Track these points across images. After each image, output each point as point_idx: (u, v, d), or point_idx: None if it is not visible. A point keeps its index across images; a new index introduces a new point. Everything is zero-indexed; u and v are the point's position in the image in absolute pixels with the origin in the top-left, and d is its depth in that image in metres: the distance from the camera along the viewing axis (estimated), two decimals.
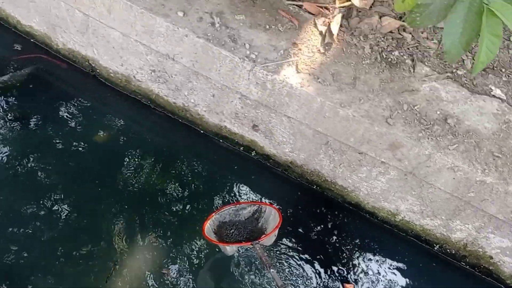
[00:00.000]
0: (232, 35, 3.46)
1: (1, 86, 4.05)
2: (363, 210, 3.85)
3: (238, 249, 3.35)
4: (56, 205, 3.51)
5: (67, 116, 4.03)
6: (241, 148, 3.97)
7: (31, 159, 3.70)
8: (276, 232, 3.07)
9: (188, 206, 3.65)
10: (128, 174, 3.78)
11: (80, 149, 3.81)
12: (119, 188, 3.66)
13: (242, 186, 3.84)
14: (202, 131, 4.06)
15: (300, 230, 3.71)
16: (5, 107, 3.98)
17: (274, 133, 3.67)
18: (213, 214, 3.23)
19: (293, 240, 3.64)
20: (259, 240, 2.97)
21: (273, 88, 3.35)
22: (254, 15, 3.58)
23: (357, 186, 3.69)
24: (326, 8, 3.64)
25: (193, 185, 3.77)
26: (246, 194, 3.84)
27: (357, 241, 3.77)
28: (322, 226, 3.81)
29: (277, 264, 3.50)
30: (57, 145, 3.81)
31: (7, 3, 4.26)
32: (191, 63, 3.55)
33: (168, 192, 3.70)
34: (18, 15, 4.29)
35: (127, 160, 3.83)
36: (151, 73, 3.84)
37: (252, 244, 2.95)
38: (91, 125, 3.96)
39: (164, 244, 3.45)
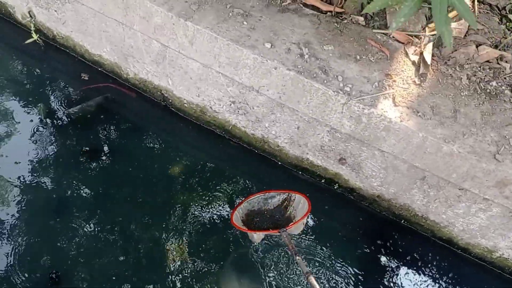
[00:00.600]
0: (323, 67, 3.32)
1: (72, 118, 3.94)
2: (455, 245, 3.67)
3: (266, 237, 3.28)
4: (131, 239, 3.38)
5: (139, 147, 3.92)
6: (323, 181, 3.81)
7: (104, 191, 3.59)
8: (305, 220, 3.04)
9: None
10: (202, 205, 3.65)
11: (154, 181, 3.69)
12: (191, 220, 3.54)
13: (323, 218, 3.68)
14: (279, 163, 3.91)
15: (385, 261, 3.55)
16: (76, 139, 3.88)
17: (362, 167, 3.51)
18: (243, 202, 3.22)
19: (379, 269, 3.48)
20: (287, 228, 2.93)
21: (369, 122, 3.20)
22: (342, 45, 3.43)
23: (452, 222, 3.51)
24: (416, 36, 3.48)
25: None
26: (326, 226, 3.68)
27: (448, 275, 3.59)
28: (408, 258, 3.64)
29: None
30: (130, 177, 3.70)
31: (77, 32, 4.17)
32: (278, 95, 3.41)
33: None
34: (87, 44, 4.20)
35: (201, 191, 3.70)
36: (230, 104, 3.71)
37: (279, 232, 2.92)
38: (164, 156, 3.86)
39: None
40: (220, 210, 3.62)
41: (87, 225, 3.39)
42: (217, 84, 3.64)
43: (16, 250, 3.23)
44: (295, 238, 3.55)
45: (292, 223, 3.05)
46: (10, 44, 4.49)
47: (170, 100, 4.05)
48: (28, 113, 3.96)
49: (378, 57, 3.39)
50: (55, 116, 3.95)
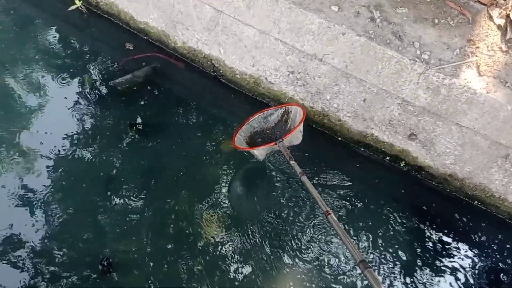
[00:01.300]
0: (396, 32, 2.98)
1: (119, 89, 3.73)
2: None
3: (272, 153, 3.35)
4: (179, 217, 3.19)
5: (188, 121, 3.68)
6: (387, 158, 3.52)
7: (152, 167, 3.39)
8: (300, 128, 3.09)
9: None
10: (259, 183, 3.41)
11: (205, 157, 3.46)
12: (246, 198, 3.32)
13: (387, 198, 3.40)
14: (339, 138, 3.62)
15: (455, 243, 3.27)
16: (124, 111, 3.67)
17: (435, 143, 3.19)
18: (243, 124, 3.32)
19: (450, 252, 3.21)
20: (283, 138, 3.04)
21: (449, 94, 2.86)
22: (417, 7, 3.07)
23: None
24: None
25: (329, 192, 3.37)
26: (392, 207, 3.40)
27: None
28: (481, 240, 3.35)
29: None
30: (179, 153, 3.49)
31: None
32: (344, 64, 3.10)
33: (298, 201, 3.31)
34: (132, 10, 3.94)
35: (250, 165, 3.45)
36: (288, 74, 3.42)
37: (276, 143, 3.03)
38: (214, 131, 3.62)
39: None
40: (282, 186, 3.38)
41: (136, 202, 3.20)
42: (275, 53, 3.34)
43: (64, 227, 3.07)
44: (344, 220, 3.28)
45: (287, 133, 3.13)
46: (51, 11, 4.28)
47: (221, 71, 3.78)
48: (73, 84, 3.77)
49: (458, 21, 3.02)
50: (101, 88, 3.74)
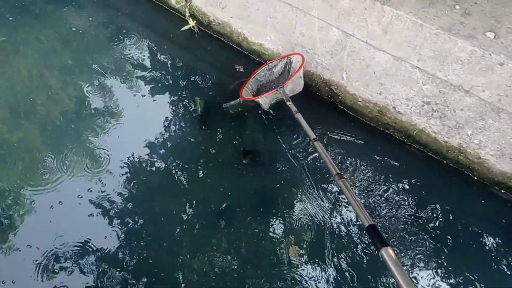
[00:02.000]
0: None
1: (231, 112, 3.56)
2: None
3: (275, 101, 3.39)
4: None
5: (302, 149, 3.43)
6: None
7: (265, 197, 3.18)
8: (301, 73, 3.29)
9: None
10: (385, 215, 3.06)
11: (316, 191, 3.18)
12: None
13: None
14: (475, 177, 3.21)
15: None
16: (236, 136, 3.49)
17: None
18: (250, 78, 3.58)
19: None
20: (284, 84, 3.25)
21: None
22: None
23: None
24: None
25: (462, 239, 2.97)
26: None
27: None
28: None
29: None
30: (292, 184, 3.24)
31: (237, 18, 3.76)
32: (497, 98, 2.71)
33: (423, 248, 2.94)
34: (247, 31, 3.78)
35: (372, 199, 3.12)
36: (422, 105, 3.07)
37: (277, 90, 3.25)
38: (337, 156, 3.32)
39: None
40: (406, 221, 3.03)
41: (247, 235, 2.99)
42: (409, 81, 3.01)
43: (173, 256, 2.91)
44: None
45: (287, 80, 3.32)
46: (161, 32, 4.23)
47: (340, 97, 3.51)
48: (184, 106, 3.64)
49: None
50: (213, 110, 3.58)
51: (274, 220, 3.06)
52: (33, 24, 4.37)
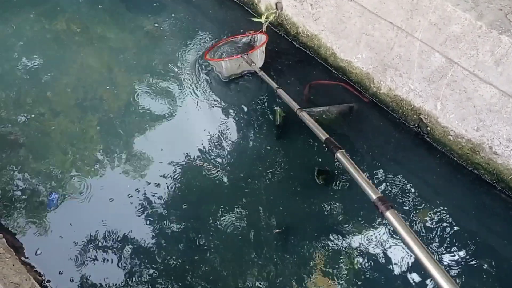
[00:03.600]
0: None
1: (317, 119, 3.37)
2: None
3: (240, 73, 3.66)
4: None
5: (377, 176, 3.19)
6: None
7: (332, 221, 2.95)
8: (263, 49, 3.64)
9: None
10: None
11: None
12: None
13: None
14: None
15: None
16: (311, 151, 3.30)
17: None
18: (213, 46, 3.81)
19: None
20: (248, 53, 3.57)
21: None
22: None
23: None
24: None
25: None
26: None
27: None
28: None
29: None
30: (361, 212, 2.99)
31: (328, 32, 3.63)
32: None
33: None
34: (337, 47, 3.63)
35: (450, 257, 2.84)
36: None
37: (241, 56, 3.55)
38: (411, 196, 3.08)
39: None
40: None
41: (297, 264, 2.78)
42: None
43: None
44: None
45: (251, 49, 3.67)
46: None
47: (428, 128, 3.27)
48: (261, 115, 3.51)
49: None
50: (291, 123, 3.43)
51: (330, 251, 2.84)
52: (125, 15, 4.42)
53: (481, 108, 2.91)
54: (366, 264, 2.80)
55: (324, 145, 2.37)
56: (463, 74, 2.88)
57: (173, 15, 4.39)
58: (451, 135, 3.18)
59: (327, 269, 2.77)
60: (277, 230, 2.90)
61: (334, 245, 2.88)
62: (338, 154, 2.13)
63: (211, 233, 2.89)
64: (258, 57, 3.68)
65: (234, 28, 4.19)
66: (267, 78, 3.39)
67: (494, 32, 2.62)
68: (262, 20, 3.83)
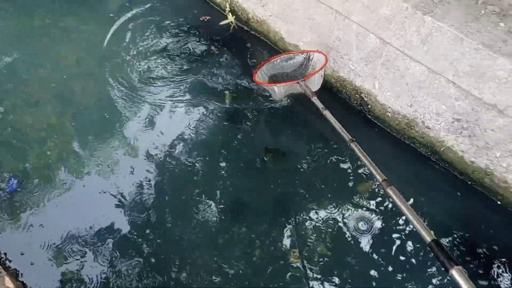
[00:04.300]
0: None
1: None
2: None
3: (289, 93, 3.38)
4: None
5: (324, 155, 3.39)
6: None
7: (283, 196, 3.16)
8: (322, 73, 3.27)
9: None
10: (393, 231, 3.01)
11: (338, 198, 3.14)
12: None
13: None
14: (499, 202, 3.12)
15: None
16: (260, 133, 3.48)
17: None
18: (264, 63, 3.44)
19: None
20: (305, 78, 3.18)
21: None
22: None
23: None
24: None
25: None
26: None
27: None
28: None
29: None
30: (308, 188, 3.21)
31: (276, 17, 3.79)
32: None
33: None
34: (284, 31, 3.80)
35: (389, 215, 3.05)
36: (452, 122, 3.02)
37: (297, 82, 3.18)
38: (354, 171, 3.27)
39: None
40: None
41: (254, 234, 2.97)
42: (442, 96, 2.98)
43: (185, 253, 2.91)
44: None
45: (307, 75, 3.27)
46: (198, 24, 4.27)
47: (369, 106, 3.48)
48: (213, 98, 3.67)
49: None
50: (241, 105, 3.59)
51: (282, 223, 3.03)
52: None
53: (412, 85, 3.12)
54: (307, 234, 3.00)
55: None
56: (395, 53, 3.08)
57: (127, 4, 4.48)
58: (389, 112, 3.39)
59: (271, 240, 2.96)
60: (222, 206, 3.07)
61: (279, 218, 3.07)
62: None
63: (165, 209, 3.05)
64: (316, 81, 3.32)
65: (193, 13, 4.31)
66: (316, 100, 3.10)
67: (419, 13, 2.83)
68: (230, 19, 3.96)
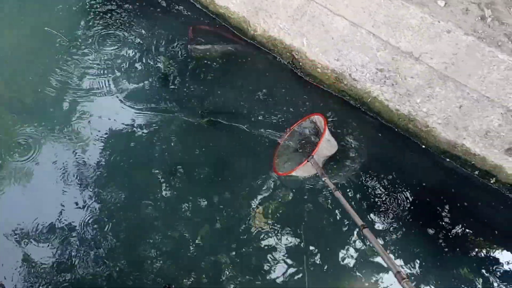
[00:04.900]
0: (510, 34, 2.67)
1: (193, 55, 3.71)
2: None
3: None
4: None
5: (258, 113, 3.49)
6: (476, 173, 3.21)
7: (220, 156, 3.25)
8: (327, 136, 2.97)
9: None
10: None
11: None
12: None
13: (475, 216, 3.09)
14: (423, 146, 3.34)
15: None
16: (197, 92, 3.54)
17: None
18: (277, 149, 3.25)
19: None
20: (312, 154, 2.92)
21: None
22: None
23: None
24: None
25: (402, 201, 3.10)
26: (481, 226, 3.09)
27: None
28: None
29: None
30: (245, 145, 3.33)
31: None
32: (443, 66, 2.83)
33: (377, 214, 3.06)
34: None
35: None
36: (376, 72, 3.17)
37: (307, 161, 2.92)
38: (288, 126, 3.39)
39: None
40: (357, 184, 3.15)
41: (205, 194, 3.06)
42: (364, 48, 3.11)
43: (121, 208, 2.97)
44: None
45: (314, 150, 2.98)
46: None
47: (300, 63, 3.58)
48: (149, 65, 3.66)
49: None
50: (177, 69, 3.61)
51: (219, 182, 3.13)
52: None
53: (337, 40, 3.23)
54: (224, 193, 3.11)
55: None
56: (318, 9, 3.17)
57: None
58: (319, 68, 3.50)
59: (204, 195, 3.06)
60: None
61: (212, 173, 3.16)
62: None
63: (112, 175, 3.09)
64: (327, 146, 3.06)
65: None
66: (328, 180, 2.79)
67: None
68: None
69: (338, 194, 2.61)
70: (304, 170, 3.01)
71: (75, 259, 2.84)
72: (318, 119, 3.17)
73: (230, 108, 3.51)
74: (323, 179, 2.82)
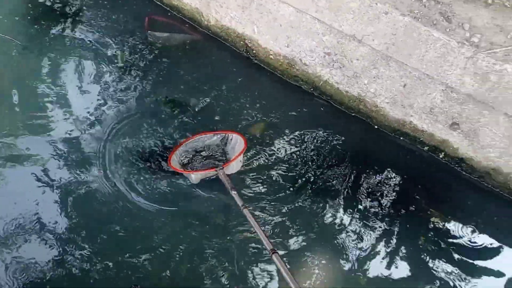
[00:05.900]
0: (445, 12, 2.77)
1: (151, 40, 3.79)
2: None
3: (204, 178, 3.08)
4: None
5: (216, 102, 3.55)
6: (426, 148, 3.32)
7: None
8: (241, 158, 3.01)
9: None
10: (286, 168, 3.26)
11: None
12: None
13: (426, 190, 3.20)
14: (375, 126, 3.44)
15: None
16: (156, 83, 3.59)
17: (479, 134, 2.99)
18: (179, 145, 3.14)
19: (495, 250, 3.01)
20: (224, 166, 2.92)
21: (499, 81, 2.66)
22: None
23: None
24: None
25: (361, 181, 3.21)
26: (427, 201, 3.20)
27: None
28: None
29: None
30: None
31: None
32: (385, 46, 2.92)
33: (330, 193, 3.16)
34: None
35: (283, 154, 3.29)
36: (324, 56, 3.26)
37: (216, 171, 2.90)
38: (244, 114, 3.47)
39: None
40: (308, 173, 3.24)
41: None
42: (311, 33, 3.19)
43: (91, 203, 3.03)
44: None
45: (228, 161, 3.04)
46: None
47: (254, 51, 3.66)
48: (107, 59, 3.70)
49: None
50: (135, 62, 3.66)
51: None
52: None
53: (285, 26, 3.30)
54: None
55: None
56: None
57: None
58: (271, 55, 3.57)
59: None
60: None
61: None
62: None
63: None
64: (234, 166, 3.04)
65: None
66: (236, 195, 2.73)
67: None
68: None
69: (246, 211, 2.54)
70: (199, 175, 2.99)
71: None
72: (237, 138, 3.12)
73: (191, 96, 3.54)
74: (231, 193, 2.73)
